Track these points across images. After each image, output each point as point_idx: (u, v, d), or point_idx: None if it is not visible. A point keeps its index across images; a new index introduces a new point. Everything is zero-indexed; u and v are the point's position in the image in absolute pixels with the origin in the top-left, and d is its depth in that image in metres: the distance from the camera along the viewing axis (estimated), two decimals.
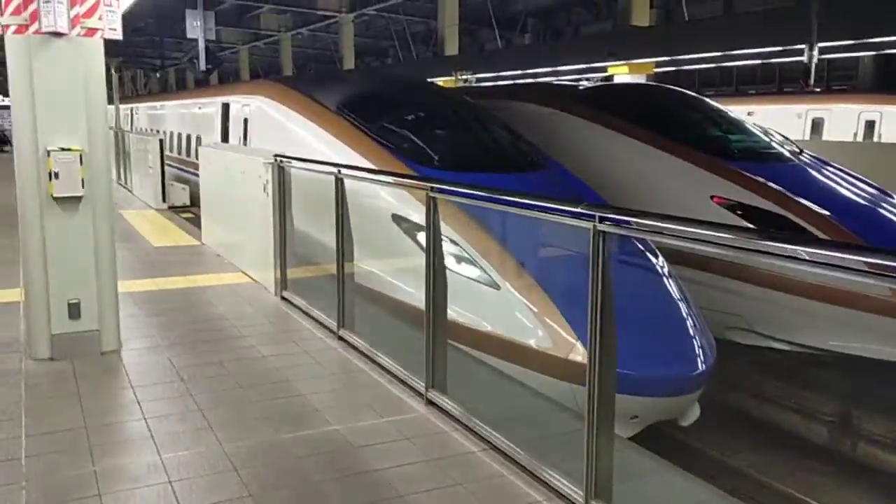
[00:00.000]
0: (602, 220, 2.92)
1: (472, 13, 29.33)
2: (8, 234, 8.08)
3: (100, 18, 4.95)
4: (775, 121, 14.75)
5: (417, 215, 5.82)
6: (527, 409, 4.53)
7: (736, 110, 13.22)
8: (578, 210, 3.00)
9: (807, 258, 2.52)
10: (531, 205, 3.45)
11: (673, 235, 2.85)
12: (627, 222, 2.95)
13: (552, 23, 33.19)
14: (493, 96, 11.70)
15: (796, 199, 7.99)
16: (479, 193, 4.00)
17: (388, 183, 5.59)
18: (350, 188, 5.61)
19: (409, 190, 6.13)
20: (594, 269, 2.95)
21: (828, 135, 15.32)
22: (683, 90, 10.81)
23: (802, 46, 14.28)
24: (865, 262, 2.37)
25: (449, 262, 5.96)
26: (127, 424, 4.12)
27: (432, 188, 4.15)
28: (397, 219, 6.58)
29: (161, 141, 13.31)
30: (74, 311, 5.07)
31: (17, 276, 6.43)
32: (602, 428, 3.08)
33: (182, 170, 14.65)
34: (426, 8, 28.54)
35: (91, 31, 4.93)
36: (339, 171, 5.45)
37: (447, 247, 5.92)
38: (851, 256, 2.41)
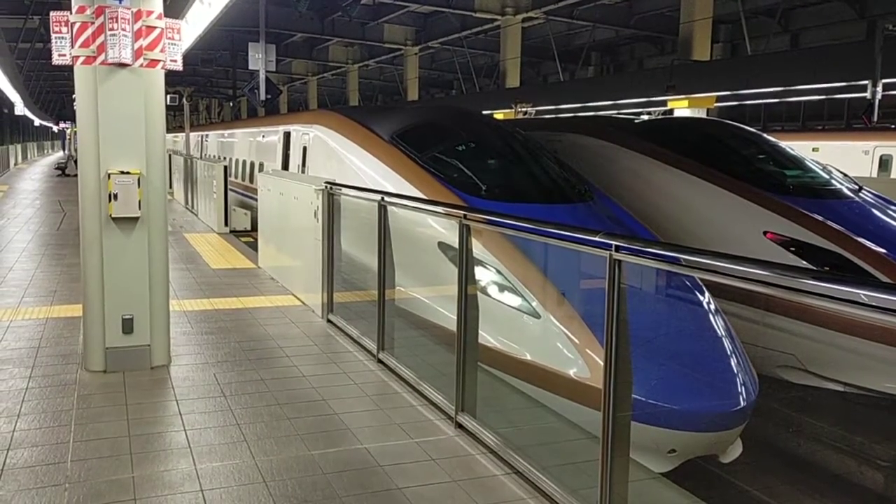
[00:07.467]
0: (618, 248, 2.98)
1: (536, 47, 29.63)
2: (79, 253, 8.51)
3: (162, 51, 5.25)
4: (841, 157, 14.37)
5: None
6: (554, 436, 4.56)
7: (801, 146, 12.98)
8: (596, 239, 3.07)
9: (822, 293, 2.49)
10: (554, 233, 3.54)
11: (688, 266, 2.89)
12: (643, 251, 3.00)
13: (616, 56, 33.24)
14: (546, 128, 11.77)
15: (852, 236, 7.81)
16: (507, 221, 4.12)
17: (424, 210, 5.75)
18: (404, 217, 5.76)
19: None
20: (610, 295, 3.01)
21: None
22: (739, 124, 10.69)
23: (866, 82, 13.98)
24: None
25: (491, 290, 6.08)
26: (168, 435, 4.31)
27: (465, 216, 4.27)
28: (443, 247, 6.71)
29: (225, 167, 13.82)
30: (128, 326, 5.33)
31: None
32: (617, 455, 3.11)
33: (247, 196, 15.11)
34: (490, 41, 28.97)
35: (153, 63, 5.23)
36: (383, 199, 5.62)
37: (490, 275, 6.04)
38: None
